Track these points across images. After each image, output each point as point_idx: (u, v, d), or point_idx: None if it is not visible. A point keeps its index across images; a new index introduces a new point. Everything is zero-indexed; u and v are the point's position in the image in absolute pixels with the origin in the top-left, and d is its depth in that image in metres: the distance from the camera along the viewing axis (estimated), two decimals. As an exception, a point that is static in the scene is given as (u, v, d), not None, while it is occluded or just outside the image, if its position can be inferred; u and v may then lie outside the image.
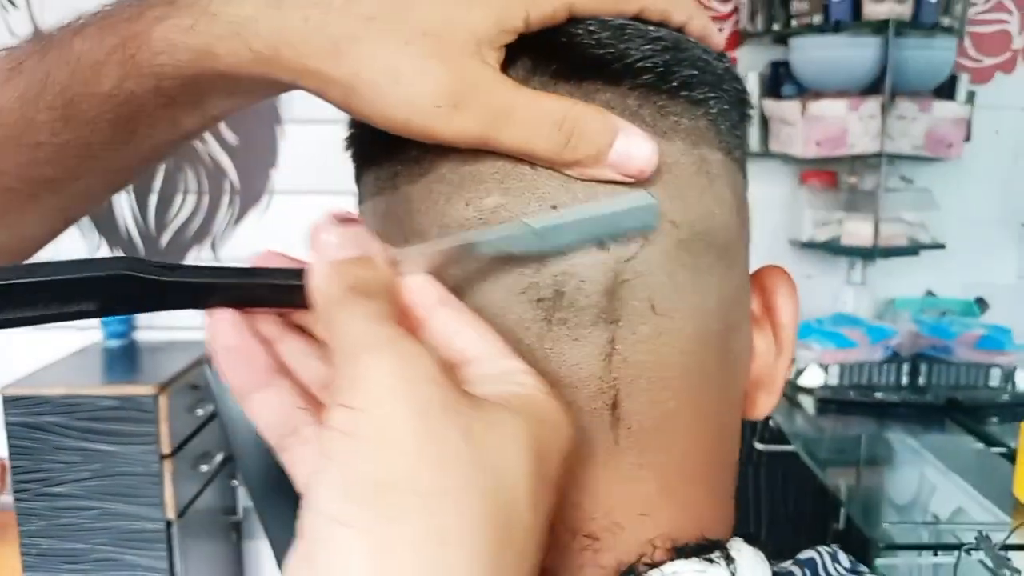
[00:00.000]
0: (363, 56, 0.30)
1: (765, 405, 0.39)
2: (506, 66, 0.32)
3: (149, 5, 0.32)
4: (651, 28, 0.33)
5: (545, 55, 0.32)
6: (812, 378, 1.98)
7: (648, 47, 0.33)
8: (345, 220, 0.30)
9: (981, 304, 2.29)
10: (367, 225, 0.35)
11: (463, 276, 0.32)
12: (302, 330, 0.33)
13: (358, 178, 0.37)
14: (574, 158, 0.31)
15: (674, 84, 0.33)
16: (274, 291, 0.30)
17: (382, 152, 0.34)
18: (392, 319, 0.27)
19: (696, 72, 0.34)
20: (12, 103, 0.34)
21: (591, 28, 0.32)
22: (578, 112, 0.31)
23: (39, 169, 0.35)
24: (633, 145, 0.31)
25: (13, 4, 2.31)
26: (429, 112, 0.30)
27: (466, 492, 0.24)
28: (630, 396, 0.33)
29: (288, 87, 0.32)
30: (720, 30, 2.28)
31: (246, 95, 0.34)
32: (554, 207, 0.32)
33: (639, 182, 0.32)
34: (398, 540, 0.23)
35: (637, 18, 0.34)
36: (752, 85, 2.24)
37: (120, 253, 2.38)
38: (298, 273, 0.29)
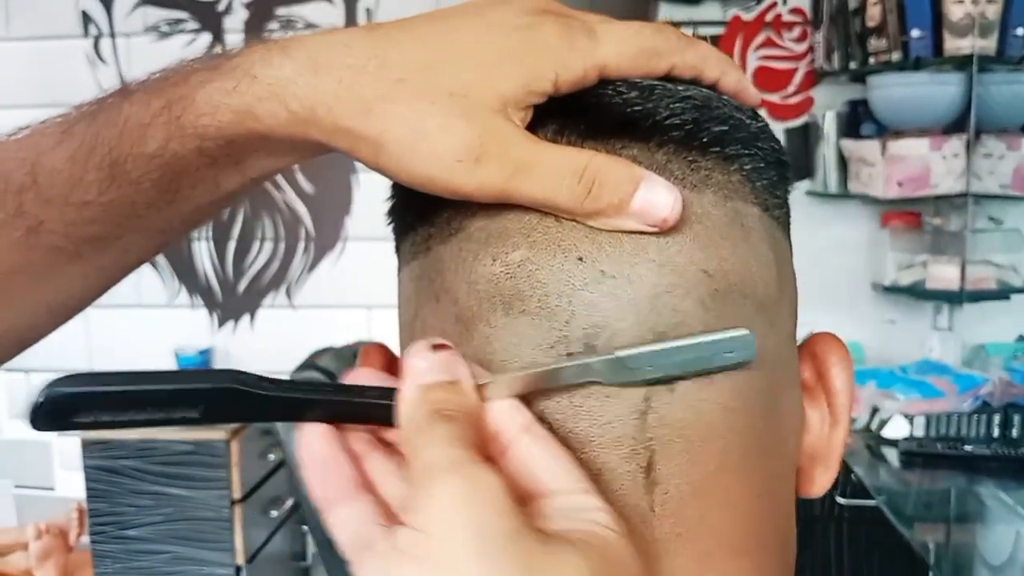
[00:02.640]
0: (391, 115, 0.31)
1: (822, 481, 0.37)
2: (534, 126, 0.32)
3: (194, 70, 0.34)
4: (681, 88, 0.34)
5: (573, 115, 0.33)
6: (896, 429, 1.89)
7: (678, 105, 0.33)
8: (439, 347, 0.31)
9: (1078, 350, 2.17)
10: (402, 292, 0.36)
11: (491, 328, 0.32)
12: (390, 446, 0.33)
13: (398, 248, 0.37)
14: (596, 208, 0.31)
15: (704, 140, 0.33)
16: (366, 409, 0.31)
17: (418, 218, 0.35)
18: (469, 443, 0.28)
19: (727, 128, 0.33)
20: (62, 163, 0.35)
21: (620, 89, 0.33)
22: (599, 162, 0.31)
23: (85, 228, 0.36)
24: (656, 194, 0.31)
25: (102, 60, 2.42)
26: (451, 167, 0.31)
27: None
28: (667, 458, 0.31)
29: (324, 148, 0.33)
30: (795, 70, 2.29)
31: (284, 156, 0.35)
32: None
33: (664, 232, 0.31)
34: None
35: (669, 77, 0.34)
36: (829, 125, 2.21)
37: (199, 299, 2.45)
38: (390, 392, 0.31)
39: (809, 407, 0.37)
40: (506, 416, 0.30)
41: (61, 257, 0.37)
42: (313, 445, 0.31)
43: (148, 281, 2.43)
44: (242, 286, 2.44)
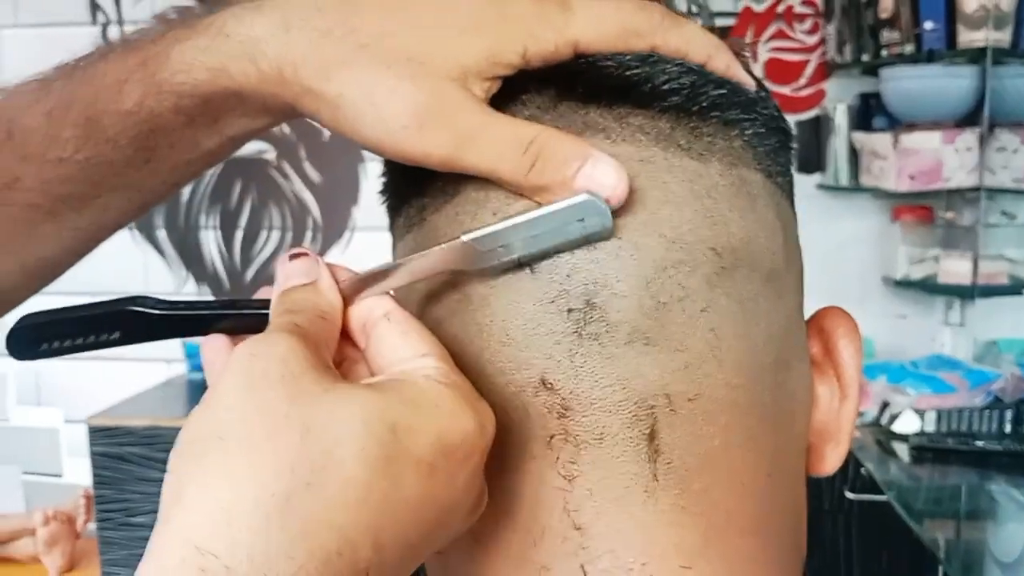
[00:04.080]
0: (348, 78, 0.31)
1: (833, 458, 0.37)
2: (528, 92, 0.32)
3: (170, 28, 0.34)
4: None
5: (570, 81, 0.32)
6: (907, 424, 1.88)
7: (674, 69, 0.32)
8: (297, 255, 0.33)
9: (1091, 347, 2.16)
10: None
11: (490, 288, 0.32)
12: None
13: (392, 225, 0.37)
14: (540, 182, 0.30)
15: (704, 104, 0.32)
16: (247, 319, 0.34)
17: (411, 190, 0.35)
18: (298, 328, 0.29)
19: (725, 92, 0.33)
20: (39, 120, 0.35)
21: (613, 55, 0.32)
22: (547, 136, 0.30)
23: (62, 186, 0.36)
24: (601, 172, 0.30)
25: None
26: (397, 131, 0.31)
27: (269, 440, 0.26)
28: (670, 427, 0.31)
29: (295, 111, 0.33)
30: (807, 62, 2.27)
31: (259, 116, 0.35)
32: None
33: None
34: (190, 478, 0.26)
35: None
36: (841, 117, 2.19)
37: (207, 289, 2.45)
38: (266, 303, 0.33)
39: (818, 382, 0.37)
40: (366, 308, 0.32)
41: (36, 215, 0.37)
42: (206, 352, 0.34)
43: (155, 269, 2.43)
44: (249, 275, 2.43)
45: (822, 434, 0.37)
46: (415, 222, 0.34)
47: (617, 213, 0.30)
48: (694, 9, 2.22)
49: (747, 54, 0.36)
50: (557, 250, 0.31)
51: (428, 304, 0.34)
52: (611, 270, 0.30)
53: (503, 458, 0.32)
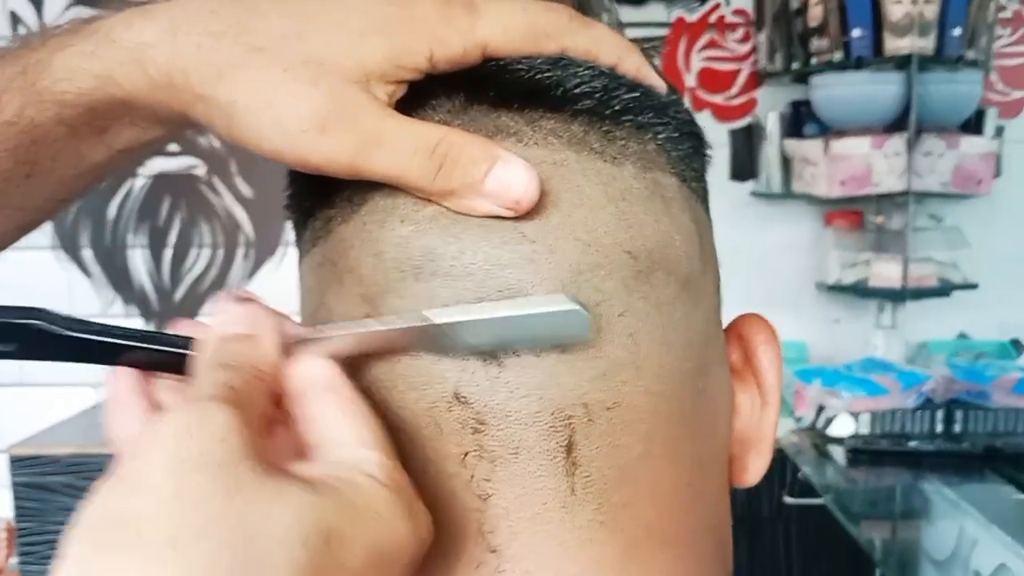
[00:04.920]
0: (242, 82, 0.30)
1: (756, 468, 0.36)
2: (439, 97, 0.31)
3: (52, 35, 0.33)
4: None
5: (479, 85, 0.31)
6: (842, 427, 1.90)
7: (585, 72, 0.32)
8: (244, 299, 0.31)
9: (1018, 346, 2.21)
10: (304, 285, 0.35)
11: (401, 299, 0.30)
12: None
13: (298, 239, 0.36)
14: (447, 187, 0.29)
15: (616, 108, 0.32)
16: (164, 357, 0.31)
17: (317, 201, 0.33)
18: (232, 390, 0.27)
19: (638, 95, 0.32)
20: None
21: (524, 58, 0.31)
22: (454, 139, 0.30)
23: None
24: (510, 174, 0.29)
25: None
26: (296, 136, 0.29)
27: (199, 541, 0.23)
28: (588, 438, 0.30)
29: (187, 120, 0.32)
30: (738, 71, 2.30)
31: (150, 127, 0.34)
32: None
33: (521, 218, 0.30)
34: (104, 572, 0.22)
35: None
36: (773, 125, 2.22)
37: (135, 309, 2.38)
38: (189, 342, 0.31)
39: (739, 390, 0.36)
40: (309, 374, 0.29)
41: None
42: (111, 387, 0.32)
43: (80, 290, 2.36)
44: (179, 294, 2.37)
45: (744, 443, 0.36)
46: (321, 235, 0.33)
47: (529, 216, 0.30)
48: (604, 18, 2.23)
49: (653, 53, 0.35)
50: (526, 344, 0.29)
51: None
52: (526, 275, 0.30)
53: (418, 479, 0.30)
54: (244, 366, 0.28)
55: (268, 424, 0.29)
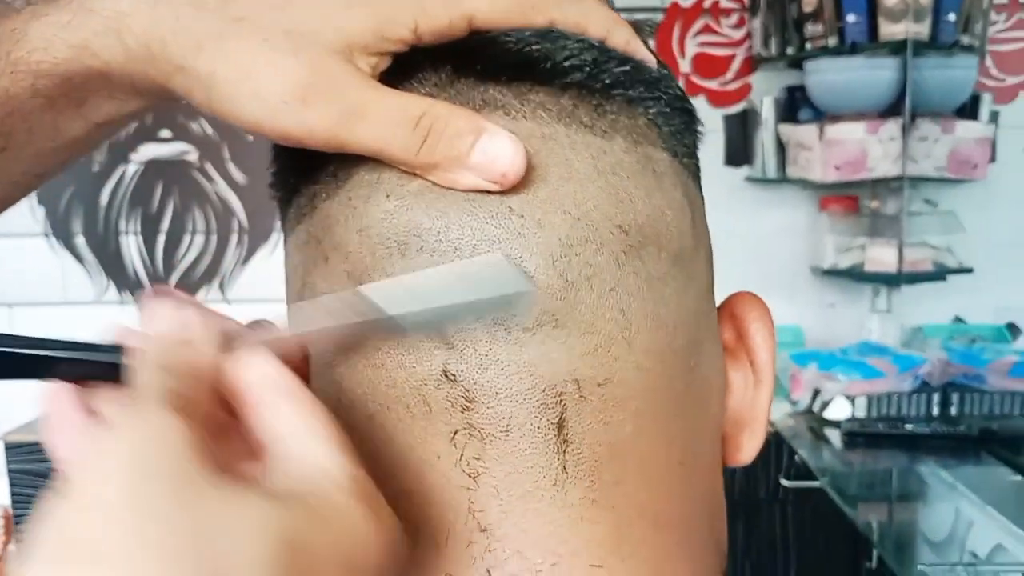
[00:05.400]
0: (221, 53, 0.29)
1: (749, 447, 0.36)
2: (425, 70, 0.31)
3: (27, 4, 0.32)
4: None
5: (467, 58, 0.31)
6: (838, 410, 1.91)
7: (575, 45, 0.31)
8: (170, 296, 0.30)
9: (1013, 330, 2.22)
10: (289, 264, 0.34)
11: (386, 275, 0.30)
12: None
13: (283, 218, 0.35)
14: (432, 160, 0.29)
15: (607, 82, 0.31)
16: (101, 367, 0.30)
17: (302, 178, 0.33)
18: (176, 395, 0.25)
19: (628, 69, 0.32)
20: None
21: (511, 31, 0.31)
22: (438, 111, 0.29)
23: None
24: (496, 146, 0.28)
25: None
26: (277, 107, 0.29)
27: (159, 562, 0.21)
28: (580, 415, 0.29)
29: (166, 92, 0.31)
30: (733, 56, 2.29)
31: (128, 99, 0.33)
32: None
33: (508, 192, 0.29)
34: None
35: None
36: (767, 110, 2.22)
37: (128, 296, 2.37)
38: (120, 349, 0.29)
39: (732, 368, 0.36)
40: (251, 371, 0.28)
41: None
42: (49, 409, 0.30)
43: (74, 277, 2.34)
44: (173, 280, 2.36)
45: (737, 422, 0.35)
46: (306, 212, 0.32)
47: (516, 190, 0.29)
48: None
49: (648, 30, 0.35)
50: (477, 318, 0.29)
51: None
52: (514, 250, 0.29)
53: (406, 458, 0.30)
54: (179, 366, 0.27)
55: (216, 426, 0.27)
